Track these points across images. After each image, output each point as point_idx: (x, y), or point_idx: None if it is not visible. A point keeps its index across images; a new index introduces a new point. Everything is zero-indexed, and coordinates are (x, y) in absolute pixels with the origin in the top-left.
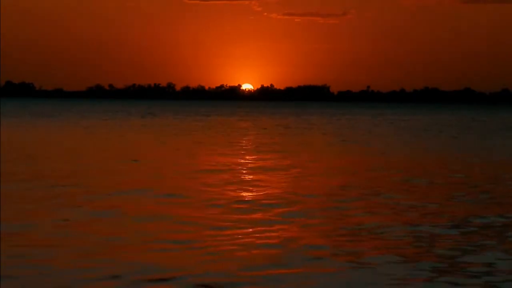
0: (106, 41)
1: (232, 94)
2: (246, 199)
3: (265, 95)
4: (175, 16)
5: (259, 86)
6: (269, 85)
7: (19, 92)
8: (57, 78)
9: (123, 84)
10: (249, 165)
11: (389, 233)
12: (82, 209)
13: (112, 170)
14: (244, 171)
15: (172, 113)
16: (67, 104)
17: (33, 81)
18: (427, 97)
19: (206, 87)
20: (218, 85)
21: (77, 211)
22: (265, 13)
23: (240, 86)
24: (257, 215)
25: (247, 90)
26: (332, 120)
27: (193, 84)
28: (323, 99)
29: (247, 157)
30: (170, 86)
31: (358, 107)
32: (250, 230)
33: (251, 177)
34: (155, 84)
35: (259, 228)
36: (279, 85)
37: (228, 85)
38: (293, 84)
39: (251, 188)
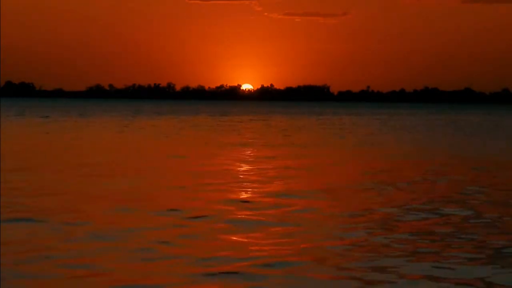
0: (106, 41)
1: (232, 94)
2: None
3: (265, 95)
4: (175, 16)
5: (259, 86)
6: (269, 85)
7: (19, 92)
8: (57, 78)
9: (123, 84)
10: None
11: None
12: None
13: None
14: None
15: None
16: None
17: (33, 81)
18: (427, 97)
19: (206, 87)
20: (218, 85)
21: None
22: (265, 13)
23: (240, 86)
24: None
25: (247, 90)
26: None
27: (193, 84)
28: (323, 99)
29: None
30: (170, 86)
31: (358, 106)
32: None
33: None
34: (155, 84)
35: None
36: (279, 85)
37: (228, 85)
38: (293, 84)
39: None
